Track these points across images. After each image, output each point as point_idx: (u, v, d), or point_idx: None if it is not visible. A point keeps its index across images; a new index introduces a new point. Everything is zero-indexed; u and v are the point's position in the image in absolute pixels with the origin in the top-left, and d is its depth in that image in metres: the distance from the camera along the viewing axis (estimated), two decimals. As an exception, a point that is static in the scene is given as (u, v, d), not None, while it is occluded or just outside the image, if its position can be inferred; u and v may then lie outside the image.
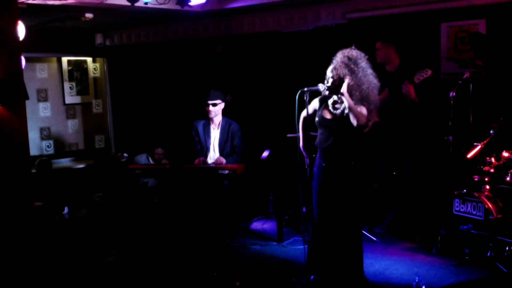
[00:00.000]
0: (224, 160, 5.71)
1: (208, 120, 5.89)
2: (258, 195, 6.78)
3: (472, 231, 4.69)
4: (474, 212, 4.72)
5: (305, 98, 4.08)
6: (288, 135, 5.78)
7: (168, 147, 7.26)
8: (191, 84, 7.90)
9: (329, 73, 4.12)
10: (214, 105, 5.76)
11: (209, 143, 5.87)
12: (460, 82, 5.01)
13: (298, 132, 4.37)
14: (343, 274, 4.17)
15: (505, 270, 4.39)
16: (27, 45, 5.30)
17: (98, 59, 8.71)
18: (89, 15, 6.23)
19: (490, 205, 4.61)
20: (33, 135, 7.84)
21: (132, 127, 8.66)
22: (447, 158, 5.15)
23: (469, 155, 4.91)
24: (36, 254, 4.50)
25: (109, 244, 5.31)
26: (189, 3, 5.61)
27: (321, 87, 4.11)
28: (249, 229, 6.19)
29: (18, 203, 4.51)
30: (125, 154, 7.81)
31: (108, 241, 5.48)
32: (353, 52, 4.09)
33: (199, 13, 6.58)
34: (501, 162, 4.78)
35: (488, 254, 4.53)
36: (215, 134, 5.88)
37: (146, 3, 5.47)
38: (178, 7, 5.71)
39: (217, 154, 5.84)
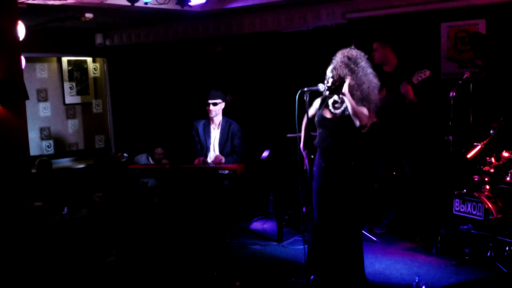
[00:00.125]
0: (223, 158, 5.71)
1: (208, 120, 5.89)
2: (258, 195, 6.78)
3: (472, 231, 4.69)
4: (474, 212, 4.72)
5: (305, 98, 4.08)
6: (288, 135, 5.79)
7: (168, 147, 7.27)
8: (191, 84, 7.90)
9: (329, 73, 4.12)
10: (215, 104, 5.76)
11: (209, 143, 5.87)
12: (460, 82, 5.01)
13: (300, 132, 4.37)
14: (343, 274, 4.17)
15: (505, 270, 4.39)
16: (27, 45, 5.29)
17: (98, 59, 8.71)
18: (89, 15, 6.23)
19: (490, 205, 4.61)
20: (33, 135, 7.84)
21: (132, 127, 8.66)
22: (447, 158, 5.15)
23: (469, 155, 4.91)
24: (36, 254, 4.50)
25: (109, 244, 5.31)
26: (189, 3, 5.61)
27: (321, 87, 4.11)
28: (249, 229, 6.19)
29: (18, 203, 4.51)
30: (125, 154, 7.81)
31: (108, 241, 5.48)
32: (353, 52, 4.09)
33: (199, 13, 6.58)
34: (501, 162, 4.78)
35: (488, 254, 4.53)
36: (215, 134, 5.88)
37: (146, 3, 5.47)
38: (178, 7, 5.70)
39: (217, 154, 5.84)
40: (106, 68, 8.71)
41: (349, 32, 6.24)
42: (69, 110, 8.50)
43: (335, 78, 4.07)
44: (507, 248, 4.51)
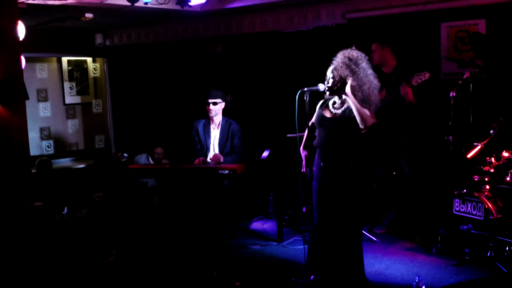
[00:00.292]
0: (221, 157, 5.71)
1: (208, 120, 5.89)
2: (258, 195, 6.78)
3: (472, 231, 4.69)
4: (474, 212, 4.72)
5: (305, 98, 4.08)
6: (288, 135, 5.79)
7: (168, 147, 7.27)
8: (191, 84, 7.90)
9: (329, 73, 4.11)
10: (215, 104, 5.76)
11: (209, 143, 5.87)
12: (460, 82, 5.01)
13: (300, 132, 4.35)
14: (343, 274, 4.17)
15: (505, 270, 4.39)
16: (27, 45, 5.29)
17: (98, 59, 8.71)
18: (89, 15, 6.23)
19: (490, 205, 4.61)
20: (33, 135, 7.84)
21: (132, 127, 8.66)
22: (447, 158, 5.15)
23: (469, 155, 4.91)
24: (36, 254, 4.50)
25: (109, 244, 5.31)
26: (189, 3, 5.61)
27: (321, 87, 4.11)
28: (249, 229, 6.19)
29: (18, 203, 4.51)
30: (125, 154, 7.81)
31: (108, 241, 5.48)
32: (354, 53, 4.09)
33: (199, 13, 6.58)
34: (501, 162, 4.78)
35: (488, 254, 4.53)
36: (215, 133, 5.89)
37: (146, 3, 5.47)
38: (178, 7, 5.70)
39: (217, 154, 5.85)
40: (106, 68, 8.71)
41: (349, 32, 6.24)
42: (69, 110, 8.50)
43: (336, 78, 4.06)
44: (507, 248, 4.51)
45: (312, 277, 4.15)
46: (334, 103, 4.21)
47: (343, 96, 4.07)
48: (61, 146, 8.39)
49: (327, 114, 4.20)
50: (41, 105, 8.15)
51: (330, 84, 4.09)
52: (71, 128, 8.54)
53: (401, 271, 4.69)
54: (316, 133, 4.26)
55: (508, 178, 4.76)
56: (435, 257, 4.91)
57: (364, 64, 4.06)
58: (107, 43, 8.36)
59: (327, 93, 4.16)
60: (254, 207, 6.71)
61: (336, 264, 4.16)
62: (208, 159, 5.83)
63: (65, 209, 6.34)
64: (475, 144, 4.92)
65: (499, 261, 4.47)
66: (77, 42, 8.16)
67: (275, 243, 5.60)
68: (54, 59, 8.26)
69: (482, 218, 4.64)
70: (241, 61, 7.46)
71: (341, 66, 4.04)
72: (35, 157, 7.34)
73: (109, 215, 6.26)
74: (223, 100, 5.87)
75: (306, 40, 6.77)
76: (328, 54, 4.21)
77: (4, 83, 4.44)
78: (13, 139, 4.50)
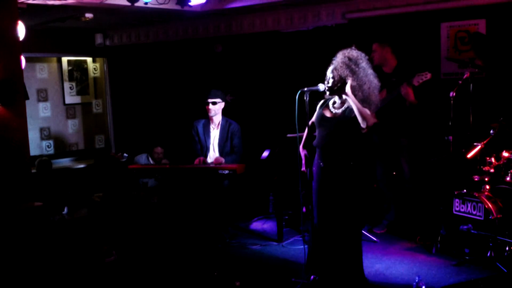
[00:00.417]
0: (223, 160, 5.71)
1: (208, 120, 5.89)
2: (258, 195, 6.78)
3: (472, 231, 4.69)
4: (474, 212, 4.72)
5: (305, 98, 4.08)
6: (288, 135, 5.78)
7: (168, 147, 7.27)
8: (191, 84, 7.90)
9: (329, 73, 4.11)
10: (214, 103, 5.76)
11: (209, 143, 5.87)
12: (460, 82, 5.01)
13: (301, 132, 4.36)
14: (343, 274, 4.17)
15: (505, 270, 4.38)
16: (27, 45, 5.29)
17: (98, 59, 8.71)
18: (89, 15, 6.23)
19: (490, 205, 4.61)
20: (33, 135, 7.84)
21: (132, 127, 8.66)
22: (447, 158, 5.15)
23: (469, 155, 4.91)
24: (36, 254, 4.50)
25: (109, 244, 5.31)
26: (189, 3, 5.61)
27: (321, 87, 4.11)
28: (249, 229, 6.19)
29: (18, 203, 4.51)
30: (125, 154, 7.82)
31: (108, 241, 5.48)
32: (354, 53, 4.08)
33: (199, 13, 6.58)
34: (501, 162, 4.78)
35: (488, 254, 4.53)
36: (214, 133, 5.88)
37: (146, 3, 5.46)
38: (178, 7, 5.70)
39: (216, 154, 5.84)
40: (106, 68, 8.71)
41: (349, 32, 6.24)
42: (69, 110, 8.50)
43: (336, 78, 4.06)
44: (507, 248, 4.51)
45: (312, 277, 4.15)
46: (334, 103, 4.21)
47: (343, 96, 4.07)
48: (61, 146, 8.39)
49: (327, 114, 4.19)
50: (41, 105, 8.15)
51: (330, 84, 4.09)
52: (71, 128, 8.54)
53: (401, 271, 4.69)
54: (316, 133, 4.26)
55: (508, 178, 4.76)
56: (435, 257, 4.91)
57: (364, 64, 4.06)
58: (107, 43, 8.36)
59: (327, 93, 4.16)
60: (254, 207, 6.71)
61: (336, 264, 4.16)
62: (209, 160, 5.83)
63: (65, 209, 6.35)
64: (475, 144, 4.92)
65: (499, 261, 4.47)
66: (77, 42, 8.16)
67: (275, 243, 5.60)
68: (54, 59, 8.26)
69: (482, 218, 4.64)
70: (241, 61, 7.46)
71: (341, 66, 4.04)
72: (35, 157, 7.34)
73: (109, 215, 6.26)
74: (223, 100, 5.86)
75: (306, 40, 6.77)
76: (328, 54, 4.21)
77: (4, 83, 4.44)
78: (13, 139, 4.51)
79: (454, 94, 4.96)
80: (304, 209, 5.19)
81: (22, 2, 5.06)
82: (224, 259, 5.13)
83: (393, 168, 5.70)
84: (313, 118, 4.30)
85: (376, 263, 4.86)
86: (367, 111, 3.98)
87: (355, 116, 3.98)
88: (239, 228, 6.16)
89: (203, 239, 5.62)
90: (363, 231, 5.22)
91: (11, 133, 4.49)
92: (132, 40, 8.08)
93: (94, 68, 8.73)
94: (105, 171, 7.21)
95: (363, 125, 3.97)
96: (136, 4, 5.32)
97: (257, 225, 6.34)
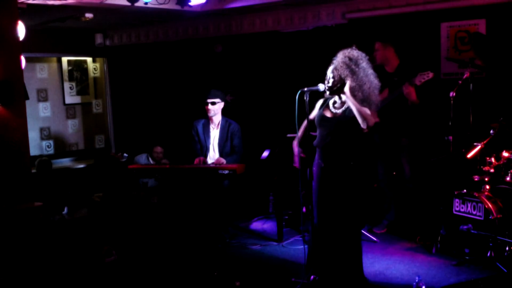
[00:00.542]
0: (224, 161, 5.71)
1: (208, 120, 5.89)
2: (258, 195, 6.78)
3: (472, 231, 4.68)
4: (474, 212, 4.72)
5: (305, 98, 4.08)
6: (288, 135, 5.78)
7: (168, 147, 7.27)
8: (191, 84, 7.90)
9: (329, 73, 4.11)
10: (213, 103, 5.76)
11: (209, 143, 5.87)
12: (460, 82, 5.01)
13: (298, 130, 4.36)
14: (343, 274, 4.17)
15: (505, 270, 4.38)
16: (27, 45, 5.29)
17: (98, 59, 8.71)
18: (89, 15, 6.23)
19: (490, 205, 4.61)
20: (33, 135, 7.84)
21: (132, 127, 8.66)
22: (447, 158, 5.15)
23: (469, 155, 4.91)
24: (36, 254, 4.50)
25: (109, 244, 5.31)
26: (189, 3, 5.61)
27: (321, 87, 4.11)
28: (249, 229, 6.19)
29: (18, 203, 4.51)
30: (125, 154, 7.82)
31: (108, 241, 5.48)
32: (354, 53, 4.08)
33: (199, 13, 6.58)
34: (501, 162, 4.78)
35: (488, 254, 4.53)
36: (214, 133, 5.88)
37: (146, 3, 5.46)
38: (178, 7, 5.71)
39: (216, 154, 5.84)
40: (106, 68, 8.71)
41: (349, 32, 6.24)
42: (69, 110, 8.50)
43: (336, 78, 4.06)
44: (507, 248, 4.51)
45: (312, 277, 4.15)
46: (335, 102, 4.21)
47: (343, 97, 4.08)
48: (61, 146, 8.40)
49: (328, 114, 4.19)
50: (41, 105, 8.15)
51: (330, 84, 4.09)
52: (71, 128, 8.54)
53: (401, 271, 4.69)
54: (317, 133, 4.26)
55: (508, 178, 4.76)
56: (435, 257, 4.91)
57: (364, 64, 4.06)
58: (107, 43, 8.36)
59: (327, 92, 4.16)
60: (254, 207, 6.71)
61: (335, 264, 4.16)
62: (209, 160, 5.83)
63: (65, 209, 6.35)
64: (475, 144, 4.92)
65: (499, 261, 4.47)
66: (77, 42, 8.16)
67: (275, 243, 5.60)
68: (54, 59, 8.26)
69: (482, 218, 4.64)
70: (241, 61, 7.46)
71: (341, 66, 4.04)
72: (35, 157, 7.34)
73: (109, 215, 6.26)
74: (222, 100, 5.86)
75: (306, 40, 6.77)
76: (328, 54, 4.20)
77: (4, 83, 4.44)
78: (13, 139, 4.51)
79: (454, 94, 4.96)
80: (304, 209, 5.19)
81: (22, 2, 5.06)
82: (224, 259, 5.13)
83: (394, 167, 5.70)
84: (311, 116, 4.30)
85: (376, 263, 4.86)
86: (367, 112, 3.98)
87: (355, 116, 3.98)
88: (239, 228, 6.16)
89: (203, 239, 5.62)
90: (363, 231, 5.23)
91: (11, 133, 4.50)
92: (132, 40, 8.08)
93: (94, 68, 8.73)
94: (105, 171, 7.21)
95: (363, 125, 3.97)
96: (136, 4, 5.32)
97: (257, 225, 6.34)
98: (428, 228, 5.36)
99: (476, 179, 4.84)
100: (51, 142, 8.29)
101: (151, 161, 7.11)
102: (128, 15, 6.54)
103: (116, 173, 7.08)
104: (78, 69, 8.50)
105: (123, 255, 5.21)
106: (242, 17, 6.96)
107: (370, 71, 4.07)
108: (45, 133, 8.22)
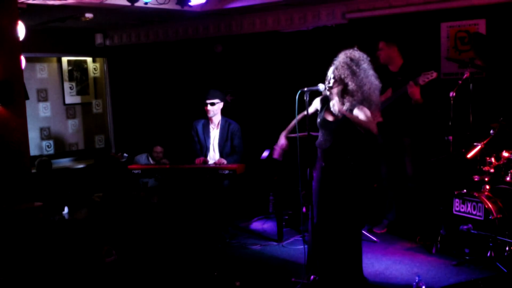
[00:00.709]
0: (225, 162, 5.71)
1: (208, 120, 5.89)
2: (258, 195, 6.78)
3: (472, 231, 4.68)
4: (474, 212, 4.72)
5: (305, 98, 4.08)
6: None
7: (168, 147, 7.27)
8: (191, 84, 7.90)
9: (330, 73, 4.12)
10: (213, 104, 5.76)
11: (209, 143, 5.87)
12: (460, 82, 5.01)
13: (299, 132, 4.35)
14: (343, 274, 4.17)
15: (505, 270, 4.38)
16: (27, 45, 5.30)
17: (98, 59, 8.72)
18: (89, 15, 6.24)
19: (490, 205, 4.61)
20: (33, 135, 7.84)
21: (132, 127, 8.66)
22: (447, 158, 5.15)
23: (469, 155, 4.91)
24: (36, 254, 4.50)
25: (109, 244, 5.31)
26: (189, 3, 5.61)
27: (321, 87, 4.11)
28: (249, 229, 6.19)
29: (18, 203, 4.51)
30: (125, 154, 7.82)
31: (108, 241, 5.48)
32: (355, 53, 4.09)
33: (199, 13, 6.59)
34: (501, 162, 4.78)
35: (488, 254, 4.53)
36: (214, 134, 5.88)
37: (146, 3, 5.47)
38: (178, 7, 5.71)
39: (216, 154, 5.84)
40: (106, 68, 8.72)
41: (349, 32, 6.24)
42: (69, 110, 8.50)
43: (336, 78, 4.07)
44: (507, 248, 4.51)
45: (312, 277, 4.15)
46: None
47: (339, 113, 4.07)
48: (61, 146, 8.40)
49: (329, 117, 4.20)
50: (41, 105, 8.15)
51: (330, 84, 4.09)
52: (71, 128, 8.54)
53: (401, 271, 4.69)
54: (319, 134, 4.26)
55: (508, 178, 4.75)
56: (435, 257, 4.91)
57: (365, 65, 4.06)
58: (107, 43, 8.36)
59: (328, 92, 4.16)
60: (254, 207, 6.71)
61: (335, 264, 4.16)
62: (209, 160, 5.83)
63: (65, 209, 6.34)
64: (475, 144, 4.92)
65: (499, 261, 4.47)
66: (77, 42, 8.17)
67: (275, 243, 5.60)
68: (54, 59, 8.26)
69: (482, 218, 4.64)
70: (241, 61, 7.46)
71: (342, 66, 4.04)
72: (35, 157, 7.35)
73: (109, 215, 6.26)
74: (222, 100, 5.86)
75: (306, 40, 6.77)
76: (328, 54, 4.21)
77: (4, 83, 4.44)
78: (13, 139, 4.51)
79: (454, 94, 4.96)
80: (304, 209, 5.19)
81: (22, 2, 5.07)
82: (224, 259, 5.13)
83: (397, 167, 5.69)
84: (308, 111, 4.28)
85: (376, 263, 4.86)
86: (365, 111, 3.98)
87: (355, 116, 3.99)
88: (239, 228, 6.16)
89: (203, 239, 5.62)
90: (363, 231, 5.22)
91: (11, 133, 4.50)
92: (132, 40, 8.08)
93: (94, 68, 8.73)
94: (105, 171, 7.21)
95: (368, 135, 3.98)
96: (136, 4, 5.33)
97: (257, 225, 6.34)
98: (428, 228, 5.35)
99: (476, 179, 4.84)
100: (51, 142, 8.29)
101: (151, 161, 7.11)
102: (128, 15, 6.54)
103: (116, 173, 7.08)
104: (78, 69, 8.50)
105: (123, 255, 5.20)
106: (242, 17, 6.97)
107: (371, 72, 4.07)
108: (45, 133, 8.22)
